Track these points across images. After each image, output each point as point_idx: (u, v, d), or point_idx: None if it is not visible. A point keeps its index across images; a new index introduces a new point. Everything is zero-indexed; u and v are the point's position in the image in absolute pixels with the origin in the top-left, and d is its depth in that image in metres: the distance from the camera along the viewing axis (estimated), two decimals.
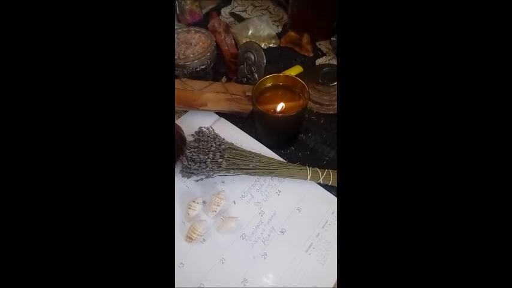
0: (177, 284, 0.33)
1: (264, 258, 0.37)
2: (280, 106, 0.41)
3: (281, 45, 0.62)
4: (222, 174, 0.42)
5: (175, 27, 0.52)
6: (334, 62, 0.58)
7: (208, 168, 0.40)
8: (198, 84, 0.49)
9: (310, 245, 0.38)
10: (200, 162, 0.40)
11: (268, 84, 0.44)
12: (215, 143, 0.42)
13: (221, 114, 0.50)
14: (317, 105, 0.51)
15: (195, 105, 0.48)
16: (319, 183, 0.42)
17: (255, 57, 0.50)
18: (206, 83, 0.49)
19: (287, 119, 0.40)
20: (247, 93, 0.47)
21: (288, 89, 0.44)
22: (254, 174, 0.42)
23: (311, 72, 0.54)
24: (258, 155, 0.43)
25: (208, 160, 0.40)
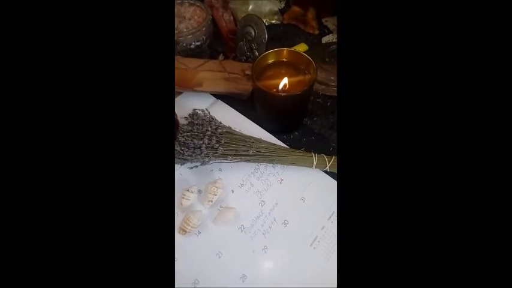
0: None
1: (265, 252, 0.34)
2: (283, 82, 0.37)
3: (284, 21, 0.58)
4: (219, 160, 0.38)
5: None
6: None
7: (203, 154, 0.36)
8: (192, 62, 0.45)
9: (315, 239, 0.35)
10: (194, 148, 0.37)
11: (270, 61, 0.39)
12: (211, 126, 0.38)
13: (218, 96, 0.46)
14: (323, 87, 0.47)
15: (189, 86, 0.43)
16: (326, 171, 0.39)
17: (255, 32, 0.45)
18: (201, 60, 0.45)
19: (291, 98, 0.36)
20: (247, 72, 0.43)
21: (292, 66, 0.39)
22: (254, 161, 0.39)
23: (317, 51, 0.50)
24: (259, 140, 0.39)
25: (204, 145, 0.36)
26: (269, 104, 0.39)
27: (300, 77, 0.38)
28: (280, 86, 0.37)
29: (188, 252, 0.34)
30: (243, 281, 0.32)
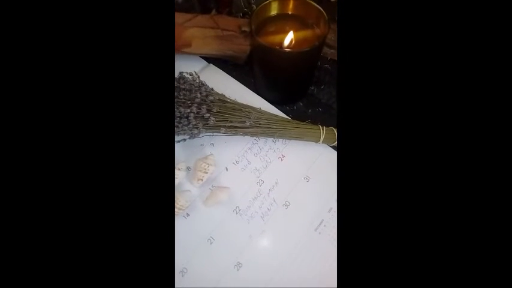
0: None
1: (263, 238, 0.30)
2: (289, 37, 0.31)
3: None
4: (211, 133, 0.33)
5: None
6: None
7: (191, 125, 0.31)
8: (178, 17, 0.38)
9: (321, 222, 0.31)
10: (181, 117, 0.31)
11: (273, 13, 0.33)
12: (201, 93, 0.32)
13: (210, 59, 0.40)
14: (332, 51, 0.41)
15: (176, 46, 0.37)
16: (334, 147, 0.34)
17: None
18: (189, 15, 0.38)
19: (298, 56, 0.30)
20: (244, 28, 0.36)
21: (299, 21, 0.33)
22: (251, 134, 0.33)
23: (325, 9, 0.43)
24: (257, 110, 0.34)
25: (192, 114, 0.31)
26: (271, 64, 0.33)
27: (308, 34, 0.32)
28: (286, 42, 0.31)
29: (175, 237, 0.30)
30: (238, 270, 0.29)
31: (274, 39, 0.31)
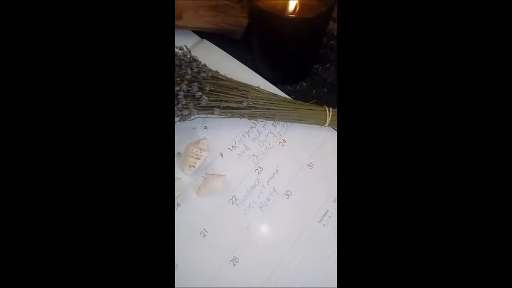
0: None
1: (262, 230, 0.28)
2: (294, 2, 0.27)
3: None
4: (204, 115, 0.30)
5: None
6: None
7: (181, 105, 0.28)
8: None
9: (326, 213, 0.28)
10: None
11: None
12: (191, 69, 0.29)
13: (203, 34, 0.36)
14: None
15: None
16: None
17: None
18: None
19: (303, 24, 0.26)
20: None
21: None
22: (249, 116, 0.30)
23: None
24: (256, 89, 0.30)
25: (181, 93, 0.27)
26: (272, 35, 0.29)
27: (314, 3, 0.28)
28: (291, 7, 0.27)
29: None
30: (234, 265, 0.26)
31: (275, 5, 0.28)
